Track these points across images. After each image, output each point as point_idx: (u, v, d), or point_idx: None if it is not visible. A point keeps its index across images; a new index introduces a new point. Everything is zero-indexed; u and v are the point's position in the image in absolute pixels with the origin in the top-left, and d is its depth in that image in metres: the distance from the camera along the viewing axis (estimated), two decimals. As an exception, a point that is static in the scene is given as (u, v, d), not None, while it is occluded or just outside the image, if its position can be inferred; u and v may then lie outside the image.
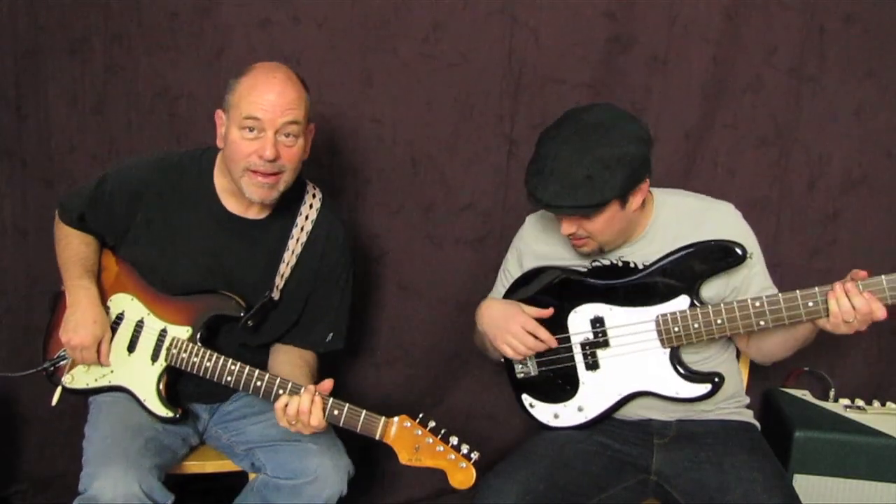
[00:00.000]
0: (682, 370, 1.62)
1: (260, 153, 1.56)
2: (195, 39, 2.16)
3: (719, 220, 1.64)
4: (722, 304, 1.56)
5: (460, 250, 2.24)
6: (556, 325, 1.68)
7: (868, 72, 2.07)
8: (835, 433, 1.91)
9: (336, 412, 1.54)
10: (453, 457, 1.53)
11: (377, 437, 1.54)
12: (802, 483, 1.91)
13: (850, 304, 1.43)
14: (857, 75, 2.08)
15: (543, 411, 1.72)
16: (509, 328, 1.64)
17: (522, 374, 1.73)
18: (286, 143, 1.59)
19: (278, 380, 1.59)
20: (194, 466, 1.75)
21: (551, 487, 1.55)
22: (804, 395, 2.11)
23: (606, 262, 1.68)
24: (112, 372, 1.72)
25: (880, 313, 1.43)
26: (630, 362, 1.64)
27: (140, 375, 1.70)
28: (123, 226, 1.72)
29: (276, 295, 1.71)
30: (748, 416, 1.74)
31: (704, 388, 1.61)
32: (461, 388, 2.32)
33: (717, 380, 1.61)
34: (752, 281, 1.64)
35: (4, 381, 2.22)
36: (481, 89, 2.16)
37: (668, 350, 1.61)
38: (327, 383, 1.56)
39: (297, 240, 1.73)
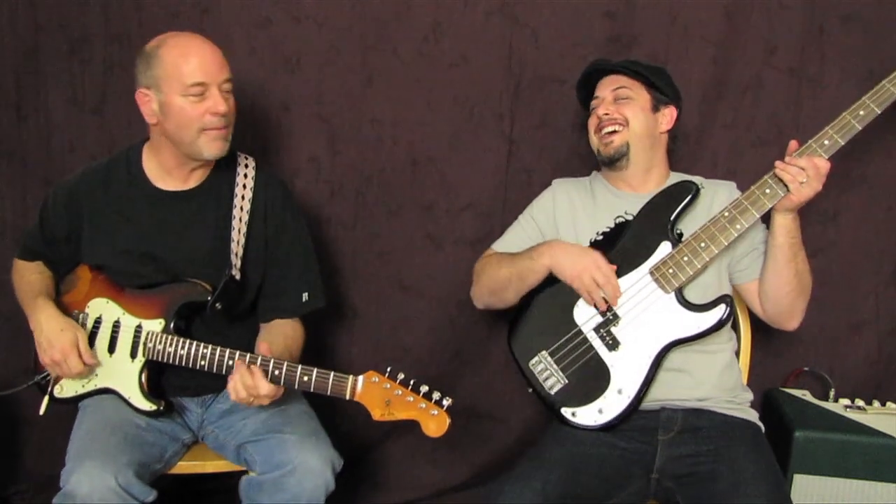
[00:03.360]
0: (693, 306, 1.67)
1: (213, 110, 1.63)
2: (195, 39, 2.16)
3: (718, 193, 1.77)
4: (698, 230, 1.67)
5: (460, 250, 2.24)
6: (564, 323, 1.72)
7: (868, 72, 2.07)
8: (835, 433, 1.91)
9: (305, 378, 1.56)
10: (424, 405, 1.52)
11: (347, 397, 1.55)
12: (802, 483, 1.91)
13: (797, 166, 1.58)
14: (857, 75, 2.08)
15: (587, 414, 1.70)
16: (596, 270, 1.66)
17: (554, 389, 1.72)
18: (226, 96, 1.67)
19: (248, 356, 1.61)
20: (194, 466, 1.75)
21: (567, 493, 1.55)
22: (804, 395, 2.11)
23: (630, 217, 1.76)
24: (97, 375, 1.74)
25: (824, 165, 1.59)
26: (645, 323, 1.68)
27: (122, 374, 1.71)
28: (75, 234, 1.76)
29: (236, 274, 1.72)
30: (753, 416, 1.75)
31: (720, 310, 1.66)
32: (462, 389, 2.31)
33: (727, 300, 1.66)
34: None
35: (4, 381, 2.22)
36: (481, 89, 2.16)
37: (672, 293, 1.67)
38: (262, 346, 1.62)
39: (241, 216, 1.75)
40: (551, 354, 1.72)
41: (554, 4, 2.10)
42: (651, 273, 1.68)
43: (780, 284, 1.68)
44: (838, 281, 2.14)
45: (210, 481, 1.85)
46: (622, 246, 1.72)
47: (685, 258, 1.66)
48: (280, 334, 1.77)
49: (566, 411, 1.71)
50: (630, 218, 1.77)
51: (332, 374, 1.56)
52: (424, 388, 1.53)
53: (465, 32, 2.13)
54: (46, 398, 1.78)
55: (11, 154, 2.22)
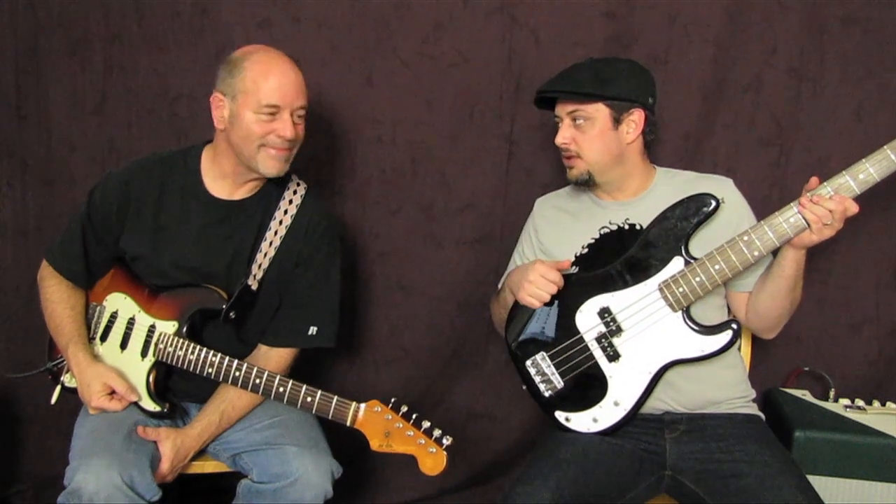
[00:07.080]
0: (699, 327, 1.64)
1: (279, 133, 1.64)
2: (195, 39, 2.16)
3: (713, 188, 1.69)
4: (714, 251, 1.60)
5: (460, 250, 2.24)
6: (567, 329, 1.70)
7: (868, 72, 2.07)
8: (835, 433, 1.91)
9: (309, 399, 1.58)
10: (423, 441, 1.52)
11: (348, 424, 1.56)
12: (802, 483, 1.91)
13: (825, 208, 1.50)
14: (857, 75, 2.08)
15: (581, 421, 1.70)
16: (527, 277, 1.68)
17: (550, 391, 1.71)
18: (297, 122, 1.69)
19: (255, 369, 1.63)
20: (194, 466, 1.75)
21: (581, 492, 1.55)
22: (804, 395, 2.11)
23: (614, 228, 1.74)
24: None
25: (853, 208, 1.50)
26: (648, 339, 1.65)
27: (131, 372, 1.72)
28: (119, 228, 1.75)
29: (252, 284, 1.72)
30: (754, 409, 1.76)
31: (726, 336, 1.63)
32: (461, 388, 2.32)
33: (734, 326, 1.63)
34: None
35: (4, 381, 2.23)
36: (481, 89, 2.16)
37: (679, 313, 1.64)
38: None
39: (276, 231, 1.75)
40: (551, 357, 1.71)
41: (554, 4, 2.10)
42: (660, 289, 1.64)
43: (775, 307, 1.68)
44: (838, 281, 2.14)
45: (209, 481, 1.85)
46: (630, 255, 1.67)
47: (697, 279, 1.60)
48: (265, 360, 1.76)
49: (560, 415, 1.71)
50: (614, 228, 1.74)
51: (335, 398, 1.57)
52: (426, 424, 1.53)
53: (465, 32, 2.13)
54: (58, 388, 1.80)
55: (11, 154, 2.22)
